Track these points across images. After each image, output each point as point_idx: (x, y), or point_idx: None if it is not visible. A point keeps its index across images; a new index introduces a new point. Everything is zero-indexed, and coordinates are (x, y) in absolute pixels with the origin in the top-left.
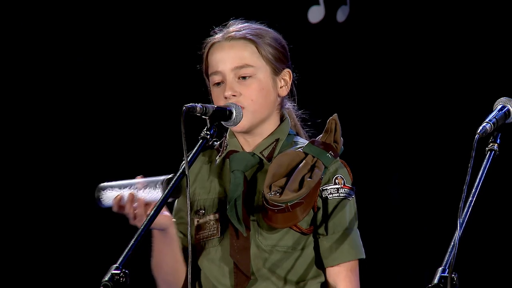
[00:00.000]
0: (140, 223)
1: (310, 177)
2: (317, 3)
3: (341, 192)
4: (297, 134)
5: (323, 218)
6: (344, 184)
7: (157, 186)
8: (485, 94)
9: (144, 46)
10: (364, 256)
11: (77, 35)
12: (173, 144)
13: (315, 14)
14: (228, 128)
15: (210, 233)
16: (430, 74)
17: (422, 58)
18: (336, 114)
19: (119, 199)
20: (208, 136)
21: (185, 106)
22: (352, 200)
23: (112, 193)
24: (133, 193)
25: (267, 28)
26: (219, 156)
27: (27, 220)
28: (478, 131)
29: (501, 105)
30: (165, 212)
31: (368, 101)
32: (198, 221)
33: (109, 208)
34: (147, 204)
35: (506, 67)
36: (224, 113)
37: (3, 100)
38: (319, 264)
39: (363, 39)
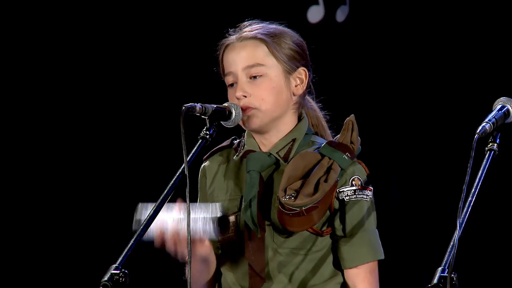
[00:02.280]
0: (182, 258)
1: (326, 180)
2: (317, 3)
3: (358, 194)
4: (320, 134)
5: (340, 220)
6: (361, 185)
7: (207, 223)
8: (485, 94)
9: (144, 46)
10: (383, 257)
11: (77, 35)
12: (173, 144)
13: (315, 14)
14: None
15: (228, 235)
16: (430, 74)
17: (421, 58)
18: (353, 114)
19: (162, 235)
20: (208, 136)
21: (184, 106)
22: (370, 200)
23: (152, 227)
24: (177, 229)
25: (283, 28)
26: (236, 156)
27: (27, 220)
28: (478, 131)
29: (500, 105)
30: (206, 242)
31: (367, 102)
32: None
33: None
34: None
35: (506, 67)
36: (223, 113)
37: (3, 100)
38: (337, 264)
39: (363, 39)
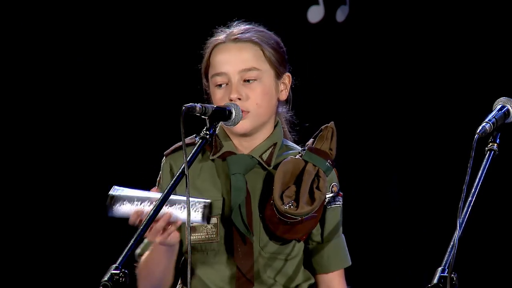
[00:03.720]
0: (155, 238)
1: (318, 188)
2: (317, 3)
3: (337, 200)
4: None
5: (320, 226)
6: (338, 192)
7: (197, 207)
8: (485, 94)
9: (144, 46)
10: (350, 263)
11: (77, 35)
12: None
13: (315, 14)
14: (217, 128)
15: (207, 237)
16: (430, 74)
17: (421, 58)
18: (332, 122)
19: (139, 213)
20: (208, 136)
21: (184, 106)
22: (341, 207)
23: (127, 207)
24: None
25: (268, 31)
26: (212, 155)
27: (27, 220)
28: (478, 131)
29: (500, 105)
30: (176, 233)
31: (367, 102)
32: (192, 223)
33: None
34: (169, 223)
35: (506, 67)
36: (223, 113)
37: (3, 100)
38: (308, 267)
39: (363, 39)
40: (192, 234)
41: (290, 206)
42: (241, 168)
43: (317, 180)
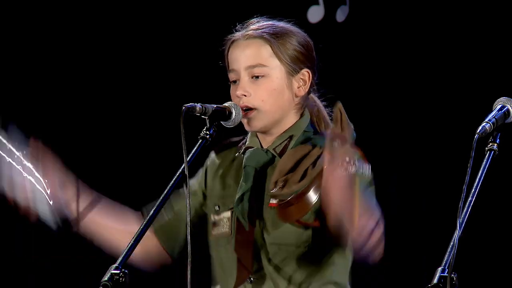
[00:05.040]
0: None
1: (313, 168)
2: (317, 3)
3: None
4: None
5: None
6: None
7: None
8: (485, 94)
9: (144, 46)
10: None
11: (77, 35)
12: (173, 144)
13: (315, 14)
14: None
15: (223, 230)
16: (430, 74)
17: (421, 58)
18: (339, 101)
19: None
20: (208, 136)
21: (184, 106)
22: (367, 181)
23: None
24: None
25: (291, 27)
26: (238, 153)
27: (27, 220)
28: (478, 131)
29: (500, 105)
30: None
31: (368, 101)
32: (214, 218)
33: None
34: None
35: (506, 67)
36: (223, 113)
37: (3, 100)
38: (333, 264)
39: (363, 39)
40: (213, 228)
41: (280, 188)
42: (253, 161)
43: (316, 161)
